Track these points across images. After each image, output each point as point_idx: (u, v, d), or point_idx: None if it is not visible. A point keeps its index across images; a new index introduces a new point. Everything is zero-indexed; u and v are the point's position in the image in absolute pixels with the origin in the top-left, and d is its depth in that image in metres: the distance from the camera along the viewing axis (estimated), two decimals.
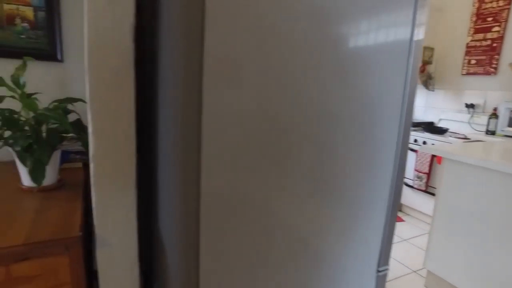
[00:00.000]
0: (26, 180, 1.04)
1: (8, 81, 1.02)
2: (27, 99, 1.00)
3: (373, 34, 0.66)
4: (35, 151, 0.92)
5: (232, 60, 0.47)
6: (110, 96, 0.74)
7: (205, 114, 0.45)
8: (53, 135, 0.99)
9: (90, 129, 0.75)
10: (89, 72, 0.72)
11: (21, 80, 1.02)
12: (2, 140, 1.00)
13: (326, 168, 0.66)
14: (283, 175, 0.58)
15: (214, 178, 0.47)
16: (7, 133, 1.03)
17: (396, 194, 0.77)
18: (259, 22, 0.49)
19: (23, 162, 0.93)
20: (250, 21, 0.48)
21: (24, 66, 1.04)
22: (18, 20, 1.40)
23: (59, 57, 1.49)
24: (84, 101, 1.10)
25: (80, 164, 1.39)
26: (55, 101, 1.16)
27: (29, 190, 1.04)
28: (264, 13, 0.50)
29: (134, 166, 0.81)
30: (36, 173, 0.89)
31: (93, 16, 0.71)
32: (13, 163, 1.38)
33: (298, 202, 0.63)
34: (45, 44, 1.46)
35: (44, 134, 1.04)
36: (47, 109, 0.97)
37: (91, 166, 0.77)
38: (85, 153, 1.41)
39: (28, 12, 1.41)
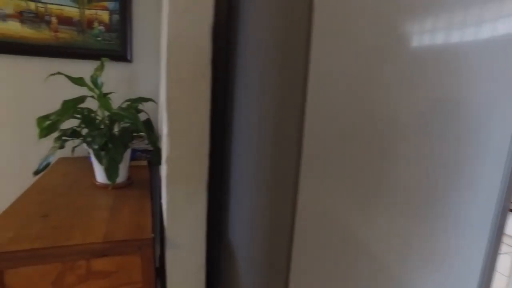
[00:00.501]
0: (100, 177, 1.10)
1: (88, 82, 1.08)
2: (104, 98, 1.05)
3: (477, 27, 0.57)
4: (110, 149, 0.96)
5: (334, 59, 0.43)
6: (186, 96, 0.74)
7: (308, 118, 0.41)
8: (126, 134, 1.03)
9: (165, 131, 0.76)
10: (167, 72, 0.72)
11: (99, 80, 1.08)
12: (81, 138, 1.06)
13: (422, 189, 0.58)
14: (372, 193, 0.52)
15: (311, 192, 0.43)
16: (82, 131, 1.10)
17: (501, 219, 0.66)
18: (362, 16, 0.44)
19: (99, 160, 0.98)
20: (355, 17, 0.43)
21: (102, 66, 1.09)
22: (96, 24, 1.49)
23: (128, 57, 1.56)
24: (154, 101, 1.13)
25: (145, 162, 1.44)
26: (126, 100, 1.21)
27: (103, 187, 1.09)
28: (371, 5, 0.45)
29: (206, 169, 0.80)
30: (111, 172, 0.93)
31: (173, 16, 0.71)
32: (84, 159, 1.48)
33: (387, 225, 0.56)
34: (118, 46, 1.54)
35: (116, 133, 1.09)
36: (121, 108, 1.00)
37: (165, 167, 0.78)
38: (151, 151, 1.47)
39: (105, 15, 1.50)
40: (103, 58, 1.12)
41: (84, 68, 1.54)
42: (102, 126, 1.05)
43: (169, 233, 0.83)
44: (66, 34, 1.47)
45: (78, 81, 1.06)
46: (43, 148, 1.57)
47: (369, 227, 0.53)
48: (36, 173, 1.01)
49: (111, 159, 0.94)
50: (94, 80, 1.07)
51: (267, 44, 0.49)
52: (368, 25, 0.45)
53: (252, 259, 0.59)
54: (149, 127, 1.09)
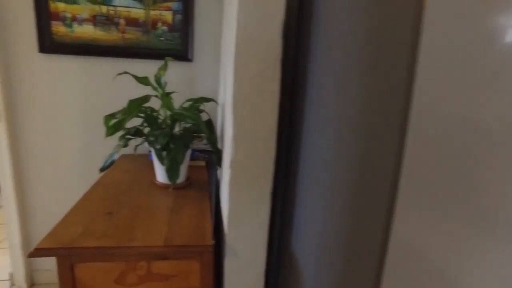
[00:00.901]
0: (160, 176, 1.12)
1: (151, 81, 1.11)
2: (167, 98, 1.06)
3: None
4: (171, 150, 0.96)
5: (438, 59, 0.36)
6: (254, 97, 0.71)
7: (411, 129, 0.34)
8: (187, 134, 1.03)
9: (230, 133, 0.73)
10: (234, 71, 0.70)
11: (162, 80, 1.10)
12: (143, 137, 1.09)
13: None
14: (472, 222, 0.43)
15: (406, 218, 0.36)
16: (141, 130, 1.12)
17: None
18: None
19: (160, 160, 0.99)
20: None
21: (165, 66, 1.11)
22: (159, 24, 1.54)
23: (189, 57, 1.59)
24: (215, 101, 1.12)
25: (203, 163, 1.46)
26: (188, 100, 1.22)
27: (163, 186, 1.11)
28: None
29: (271, 175, 0.77)
30: (172, 172, 0.93)
31: (243, 11, 0.68)
32: (143, 156, 1.53)
33: (489, 263, 0.47)
34: (179, 45, 1.58)
35: (177, 133, 1.10)
36: (183, 108, 1.01)
37: (228, 172, 0.75)
38: (209, 152, 1.48)
39: (168, 16, 1.54)
40: (167, 58, 1.14)
41: (146, 67, 1.60)
42: (164, 126, 1.07)
43: (229, 240, 0.81)
44: (132, 35, 1.54)
45: (143, 81, 1.09)
46: (107, 143, 1.67)
47: (467, 265, 0.44)
48: (102, 170, 1.06)
49: (172, 160, 0.94)
50: (157, 80, 1.09)
51: (357, 42, 0.43)
52: (466, 20, 0.37)
53: (325, 279, 0.54)
54: (210, 128, 1.08)
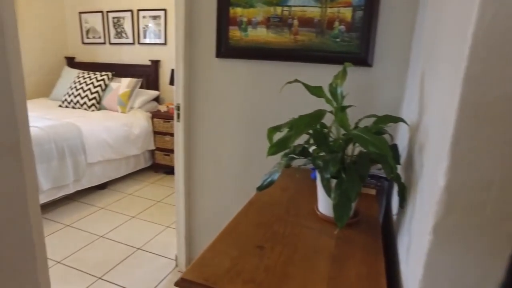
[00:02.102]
0: (323, 207, 0.97)
1: (325, 91, 0.98)
2: (342, 114, 0.90)
3: None
4: (343, 182, 0.80)
5: None
6: (490, 134, 0.46)
7: None
8: (364, 163, 0.84)
9: (442, 183, 0.51)
10: (462, 89, 0.47)
11: (339, 91, 0.95)
12: (309, 158, 0.96)
13: None
14: None
15: None
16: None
17: None
18: None
19: (327, 191, 0.84)
20: None
21: (344, 74, 0.96)
22: (336, 23, 1.41)
23: (369, 61, 1.39)
24: (406, 122, 0.89)
25: (373, 191, 1.23)
26: (367, 116, 1.03)
27: (326, 220, 0.96)
28: None
29: (507, 254, 0.50)
30: (341, 212, 0.77)
31: None
32: (304, 171, 1.41)
33: None
34: (356, 47, 1.40)
35: (351, 158, 0.92)
36: (364, 130, 0.82)
37: (429, 239, 0.53)
38: (382, 178, 1.25)
39: (347, 13, 1.38)
40: (346, 63, 0.98)
41: (318, 72, 1.49)
42: (335, 148, 0.91)
43: None
44: (304, 37, 1.46)
45: (316, 92, 0.97)
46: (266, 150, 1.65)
47: None
48: (259, 189, 0.99)
49: (342, 195, 0.78)
50: (333, 90, 0.95)
51: None
52: None
53: None
54: (396, 157, 0.86)
